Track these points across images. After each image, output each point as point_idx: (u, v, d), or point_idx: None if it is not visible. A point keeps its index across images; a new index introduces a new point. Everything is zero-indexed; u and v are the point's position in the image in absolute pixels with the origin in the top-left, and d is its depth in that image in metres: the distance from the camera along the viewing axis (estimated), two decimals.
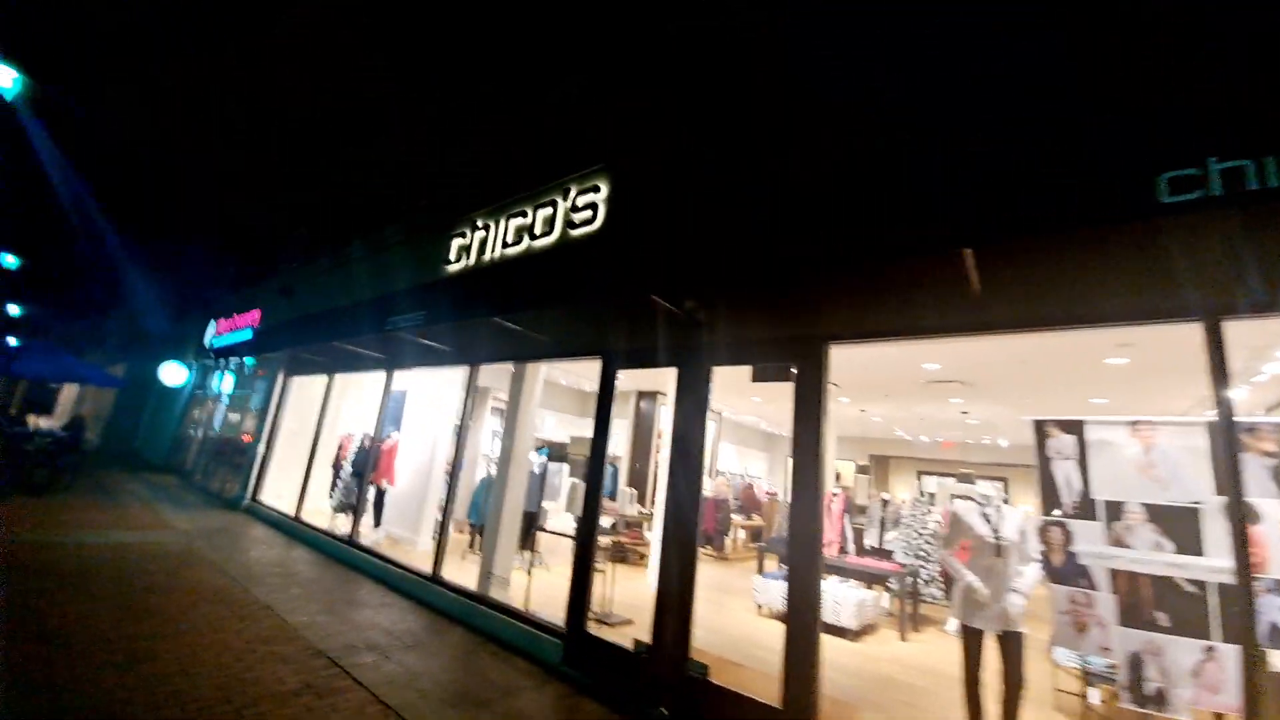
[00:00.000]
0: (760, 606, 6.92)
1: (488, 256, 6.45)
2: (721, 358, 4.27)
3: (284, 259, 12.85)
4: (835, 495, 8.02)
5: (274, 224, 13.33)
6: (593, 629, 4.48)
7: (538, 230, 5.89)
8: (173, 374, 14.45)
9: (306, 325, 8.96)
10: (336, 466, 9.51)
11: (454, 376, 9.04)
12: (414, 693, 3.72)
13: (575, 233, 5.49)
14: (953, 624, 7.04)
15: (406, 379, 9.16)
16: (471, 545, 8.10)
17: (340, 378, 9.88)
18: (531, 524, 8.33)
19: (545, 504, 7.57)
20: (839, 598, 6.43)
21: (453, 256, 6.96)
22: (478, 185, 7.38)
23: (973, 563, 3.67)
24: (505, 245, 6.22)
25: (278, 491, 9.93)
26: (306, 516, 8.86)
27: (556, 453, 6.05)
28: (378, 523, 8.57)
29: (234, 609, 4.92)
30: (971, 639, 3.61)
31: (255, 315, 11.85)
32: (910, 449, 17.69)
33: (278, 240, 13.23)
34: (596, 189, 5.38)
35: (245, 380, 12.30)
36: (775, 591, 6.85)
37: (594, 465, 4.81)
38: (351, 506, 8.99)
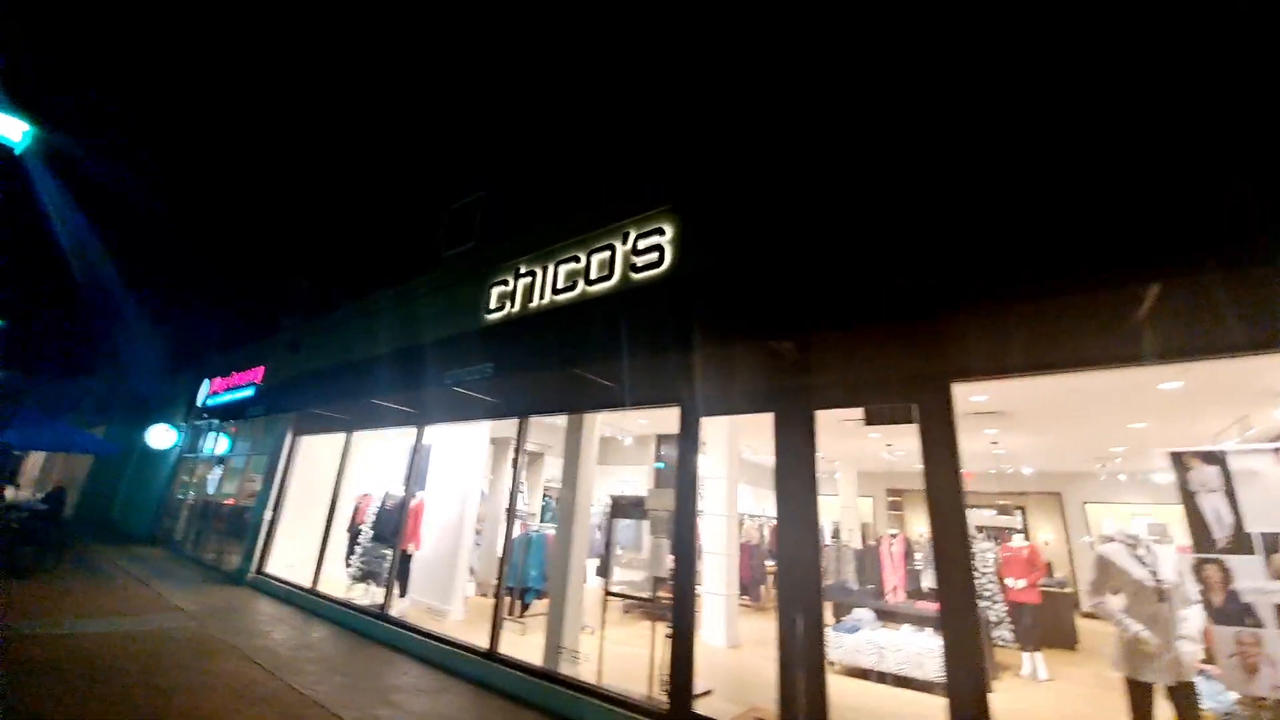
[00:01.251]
0: (833, 663, 6.47)
1: (535, 303, 6.21)
2: (827, 400, 4.03)
3: (285, 315, 12.41)
4: (894, 537, 7.71)
5: (276, 277, 12.92)
6: (700, 708, 4.02)
7: (594, 274, 5.70)
8: (161, 437, 13.60)
9: (327, 380, 8.50)
10: (353, 530, 8.86)
11: (482, 430, 8.64)
12: None
13: (638, 276, 5.32)
14: (1029, 667, 6.70)
15: (429, 434, 8.69)
16: (510, 612, 7.50)
17: (345, 436, 9.33)
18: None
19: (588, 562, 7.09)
20: (918, 648, 6.04)
21: (493, 304, 6.71)
22: (515, 231, 7.21)
23: (1132, 610, 3.40)
24: (556, 291, 6.00)
25: (288, 561, 9.19)
26: (324, 588, 8.15)
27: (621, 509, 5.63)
28: (403, 591, 7.91)
29: (281, 710, 4.33)
30: (1140, 693, 3.31)
31: (258, 372, 11.31)
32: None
33: (278, 296, 12.80)
34: (661, 231, 5.24)
35: (245, 441, 11.59)
36: (850, 645, 6.43)
37: (681, 524, 4.45)
38: (374, 574, 8.34)
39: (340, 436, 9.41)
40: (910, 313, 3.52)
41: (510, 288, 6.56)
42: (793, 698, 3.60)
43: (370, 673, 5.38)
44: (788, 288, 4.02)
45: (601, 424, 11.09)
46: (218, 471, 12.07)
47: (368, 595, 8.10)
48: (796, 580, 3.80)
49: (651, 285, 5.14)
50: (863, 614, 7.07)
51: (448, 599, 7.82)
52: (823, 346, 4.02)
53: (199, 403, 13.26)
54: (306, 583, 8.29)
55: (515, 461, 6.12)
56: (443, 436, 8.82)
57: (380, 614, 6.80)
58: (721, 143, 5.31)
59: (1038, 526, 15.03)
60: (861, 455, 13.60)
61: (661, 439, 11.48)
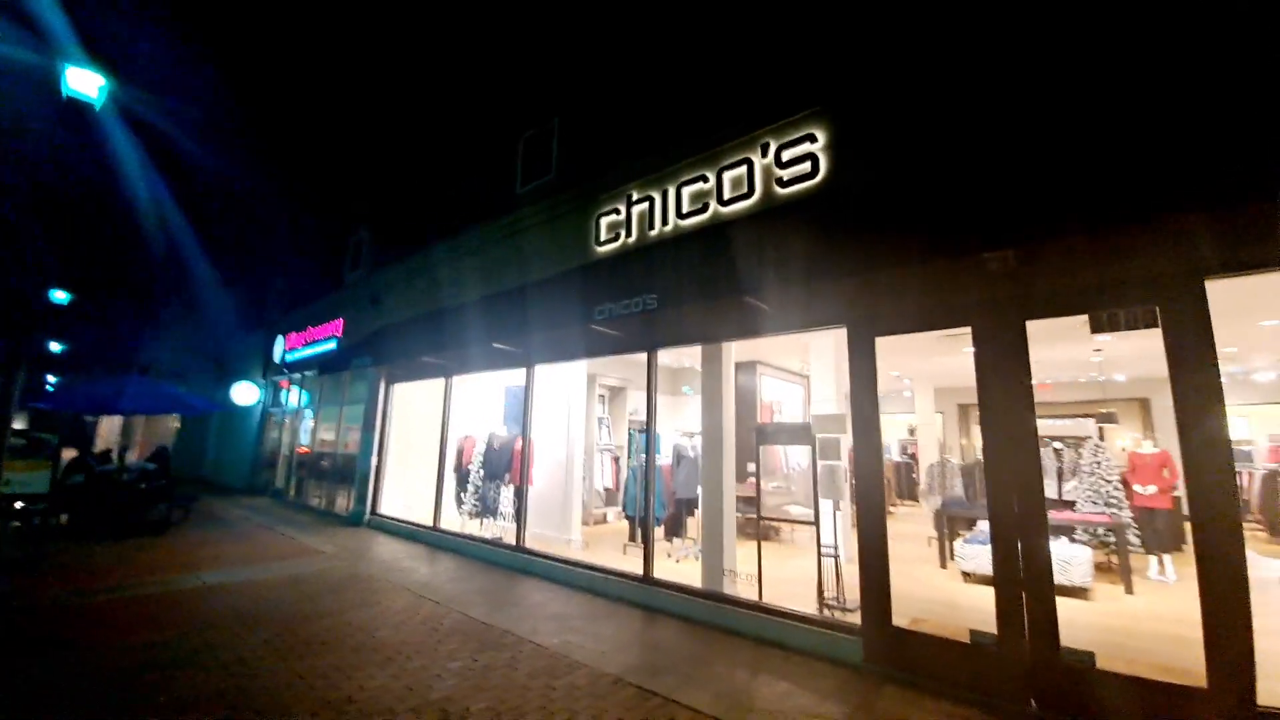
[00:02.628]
0: (967, 575, 6.54)
1: (655, 231, 5.89)
2: (1038, 309, 3.73)
3: (351, 268, 12.26)
4: None
5: (344, 229, 12.67)
6: (900, 622, 4.06)
7: (727, 194, 5.32)
8: (245, 394, 14.00)
9: (426, 327, 8.43)
10: (461, 471, 9.11)
11: (580, 369, 8.57)
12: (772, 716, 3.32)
13: (785, 191, 4.93)
14: (1155, 570, 6.70)
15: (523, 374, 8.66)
16: (632, 537, 7.72)
17: (434, 382, 9.38)
18: (688, 510, 7.97)
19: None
20: (1064, 556, 6.03)
21: (604, 235, 6.40)
22: (609, 158, 6.74)
23: None
24: (682, 216, 5.65)
25: (404, 503, 9.56)
26: (444, 525, 8.47)
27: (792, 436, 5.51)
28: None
29: (479, 639, 4.52)
30: None
31: (337, 325, 11.34)
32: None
33: (345, 249, 12.60)
34: (811, 138, 4.80)
35: (334, 391, 11.81)
36: (985, 556, 6.46)
37: (863, 445, 4.33)
38: (490, 510, 8.63)
39: (435, 382, 9.49)
40: (1163, 205, 3.14)
41: (622, 216, 6.22)
42: (1012, 611, 3.58)
43: (532, 601, 5.59)
44: (1004, 192, 3.64)
45: (662, 354, 10.94)
46: (309, 423, 12.43)
47: (487, 529, 8.42)
48: (1008, 495, 3.69)
49: (804, 200, 4.77)
50: (986, 526, 7.08)
51: (566, 528, 8.08)
52: (1047, 253, 3.67)
53: (277, 359, 13.50)
54: (427, 521, 8.61)
55: (650, 396, 6.03)
56: (545, 377, 8.80)
57: (517, 546, 7.04)
58: (885, 21, 4.69)
59: (1121, 433, 14.77)
60: (936, 372, 13.33)
61: (740, 366, 11.30)
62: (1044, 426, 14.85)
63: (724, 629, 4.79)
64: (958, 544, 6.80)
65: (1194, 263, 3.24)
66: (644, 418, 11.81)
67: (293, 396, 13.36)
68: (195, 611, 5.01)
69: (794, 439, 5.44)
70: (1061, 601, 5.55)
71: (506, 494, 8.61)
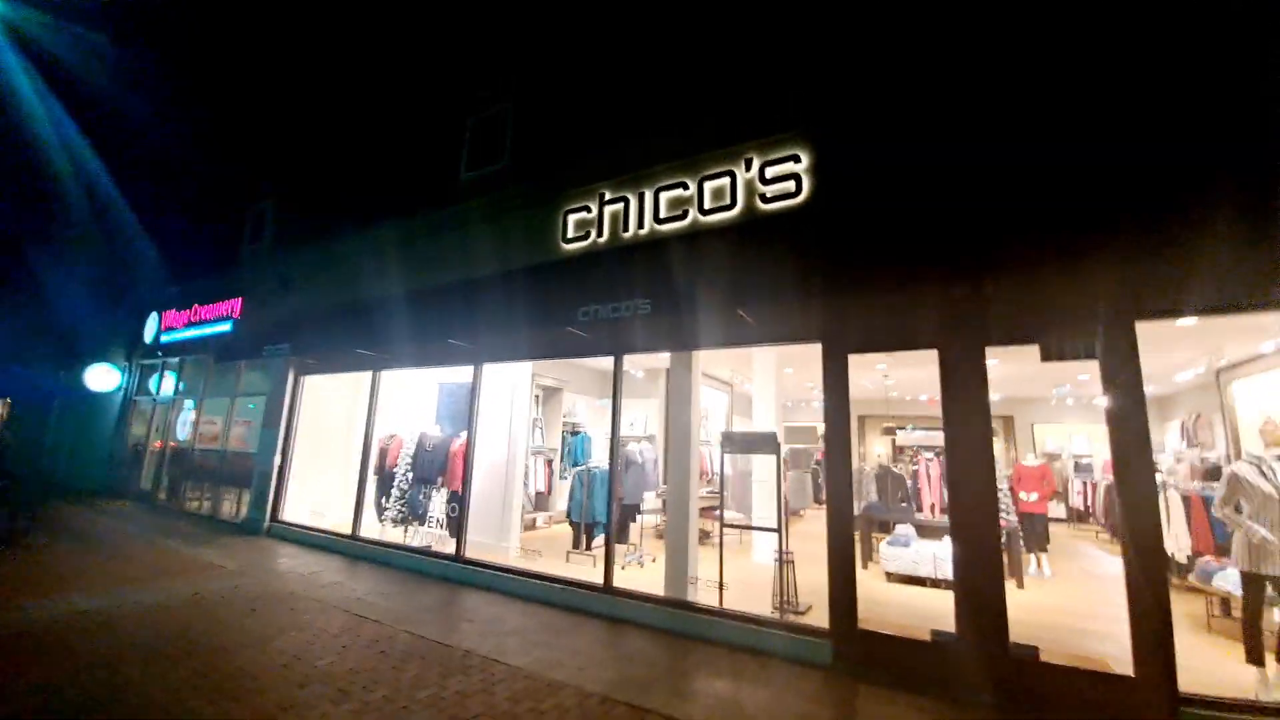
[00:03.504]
0: (890, 575, 7.10)
1: (630, 234, 5.81)
2: (997, 336, 4.15)
3: (250, 240, 10.87)
4: (931, 460, 8.36)
5: (245, 198, 11.14)
6: (866, 625, 4.31)
7: (708, 204, 5.38)
8: (101, 378, 11.87)
9: (357, 316, 7.67)
10: (383, 473, 8.38)
11: (525, 369, 8.24)
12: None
13: (768, 207, 5.08)
14: (1034, 568, 7.72)
15: (467, 372, 8.16)
16: (576, 544, 7.53)
17: (355, 376, 8.61)
18: (631, 517, 7.93)
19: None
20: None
21: (571, 233, 6.22)
22: (587, 149, 6.56)
23: (1258, 518, 3.94)
24: (660, 220, 5.63)
25: (311, 508, 8.61)
26: (364, 533, 7.76)
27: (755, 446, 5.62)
28: (453, 532, 7.69)
29: (443, 663, 4.19)
30: (1256, 586, 3.90)
31: (234, 305, 10.01)
32: (889, 407, 18.89)
33: (240, 221, 11.08)
34: (795, 158, 4.98)
35: (225, 381, 10.36)
36: (907, 557, 7.07)
37: (835, 458, 4.56)
38: (418, 516, 8.03)
39: (352, 376, 8.69)
40: (1105, 240, 3.63)
41: (593, 215, 6.07)
42: (968, 610, 3.93)
43: (485, 616, 5.27)
44: (973, 226, 4.01)
45: (597, 360, 10.81)
46: (189, 415, 10.82)
47: (418, 537, 7.82)
48: (970, 504, 4.05)
49: (786, 215, 4.93)
50: (904, 529, 7.75)
51: (504, 535, 7.71)
52: (1002, 283, 4.08)
53: (149, 339, 11.63)
54: (344, 529, 7.83)
55: (615, 402, 5.93)
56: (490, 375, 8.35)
57: (457, 556, 6.60)
58: (863, 55, 4.96)
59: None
60: (860, 389, 14.38)
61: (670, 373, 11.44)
62: (926, 437, 16.36)
63: (691, 637, 4.82)
64: (881, 546, 7.38)
65: (1124, 304, 3.76)
66: (577, 420, 11.67)
67: (167, 384, 11.57)
68: (83, 645, 4.15)
69: (759, 448, 5.60)
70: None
71: (438, 499, 8.07)
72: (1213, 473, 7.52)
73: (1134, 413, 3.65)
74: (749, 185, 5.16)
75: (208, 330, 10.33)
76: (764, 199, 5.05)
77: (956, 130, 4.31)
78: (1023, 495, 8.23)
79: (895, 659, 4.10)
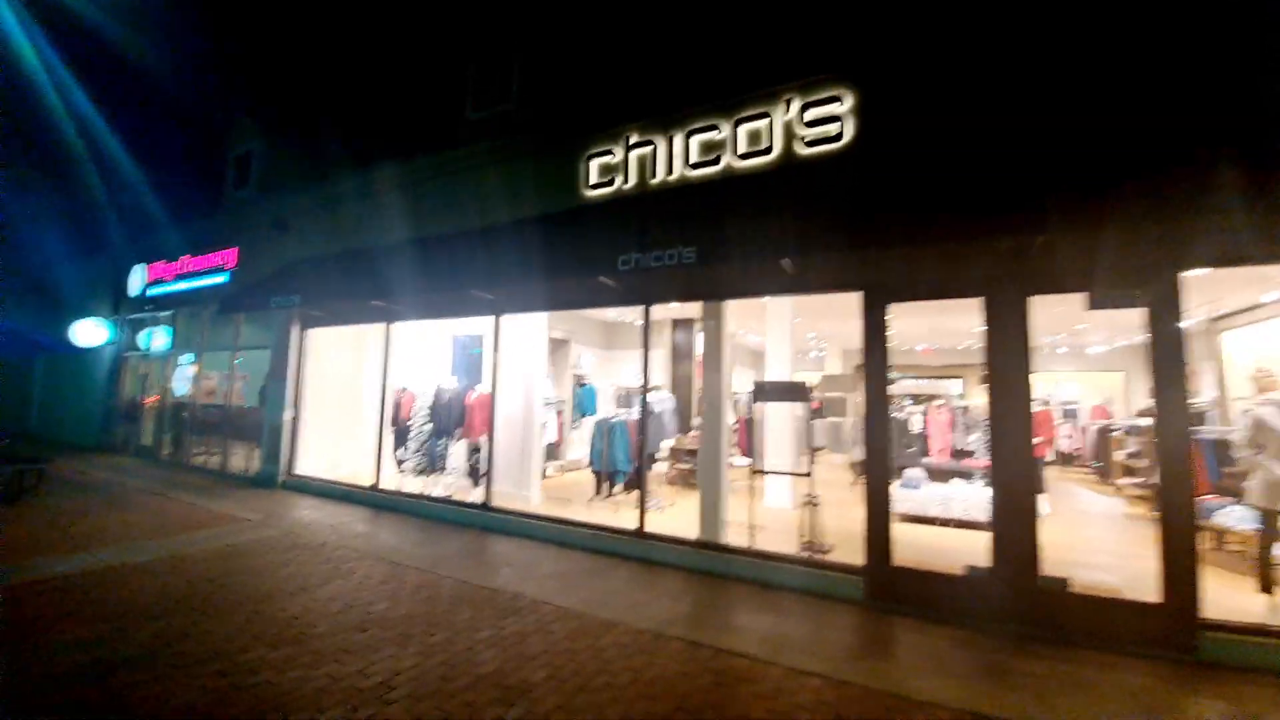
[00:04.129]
0: (900, 516, 7.36)
1: (658, 179, 5.63)
2: (1043, 285, 4.15)
3: (237, 184, 10.33)
4: (940, 407, 8.56)
5: (227, 135, 10.49)
6: (899, 563, 4.49)
7: (742, 148, 5.21)
8: (90, 333, 11.46)
9: (368, 264, 7.40)
10: (398, 426, 8.36)
11: (540, 320, 8.12)
12: (814, 658, 3.55)
13: (807, 151, 4.93)
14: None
15: (483, 324, 8.03)
16: (598, 491, 7.68)
17: (358, 328, 8.44)
18: (649, 465, 8.05)
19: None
20: (971, 496, 7.00)
21: (594, 179, 6.01)
22: (610, 95, 6.24)
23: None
24: (691, 165, 5.44)
25: (328, 461, 8.60)
26: (385, 484, 7.80)
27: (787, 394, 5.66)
28: (476, 482, 7.77)
29: (496, 607, 4.30)
30: (1272, 520, 4.13)
31: (229, 255, 9.62)
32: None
33: (223, 161, 10.47)
34: (836, 99, 4.80)
35: (224, 334, 10.07)
36: (918, 499, 7.34)
37: (874, 405, 4.63)
38: (439, 468, 8.07)
39: (359, 329, 8.52)
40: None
41: (618, 159, 5.85)
42: (1002, 546, 4.11)
43: (522, 560, 5.40)
44: (1018, 178, 3.93)
45: (606, 311, 10.61)
46: (188, 370, 10.57)
47: (439, 487, 7.89)
48: (1010, 446, 4.17)
49: (827, 161, 4.80)
50: (914, 473, 8.01)
51: (525, 485, 7.81)
52: (1057, 235, 4.04)
53: (135, 292, 11.19)
54: (363, 481, 7.86)
55: (645, 351, 5.89)
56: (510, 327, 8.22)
57: (484, 505, 6.69)
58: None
59: (970, 394, 17.23)
60: (846, 333, 14.48)
61: (677, 323, 11.41)
62: (919, 385, 16.71)
63: (726, 577, 5.00)
64: (893, 488, 7.62)
65: (1172, 256, 3.78)
66: (584, 372, 11.65)
67: (158, 339, 11.22)
68: (119, 599, 4.16)
69: (788, 396, 5.66)
70: (973, 534, 6.45)
71: (457, 450, 8.10)
72: (1198, 418, 7.81)
73: (1175, 360, 3.73)
74: (787, 128, 4.98)
75: (201, 282, 9.94)
76: (804, 142, 4.89)
77: (1006, 79, 4.16)
78: None
79: (927, 593, 4.30)
